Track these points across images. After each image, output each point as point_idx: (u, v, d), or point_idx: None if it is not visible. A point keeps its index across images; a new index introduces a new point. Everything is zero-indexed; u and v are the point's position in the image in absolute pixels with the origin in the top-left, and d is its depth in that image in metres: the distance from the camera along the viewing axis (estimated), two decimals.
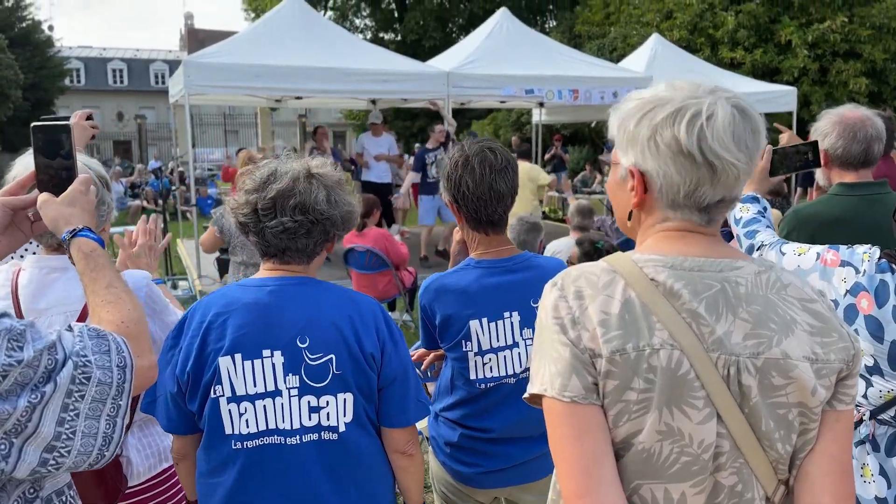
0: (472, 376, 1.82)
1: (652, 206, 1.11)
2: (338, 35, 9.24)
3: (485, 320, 1.77)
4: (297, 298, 1.55)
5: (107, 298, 1.28)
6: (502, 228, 1.84)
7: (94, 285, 1.30)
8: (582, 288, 1.06)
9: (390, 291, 5.91)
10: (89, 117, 2.38)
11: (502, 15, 10.13)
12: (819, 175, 2.34)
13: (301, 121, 14.82)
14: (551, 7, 30.26)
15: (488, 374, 1.79)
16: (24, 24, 29.32)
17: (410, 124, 25.55)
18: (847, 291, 1.75)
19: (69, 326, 1.17)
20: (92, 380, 1.11)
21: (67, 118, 2.46)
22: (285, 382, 1.50)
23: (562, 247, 5.07)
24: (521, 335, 1.79)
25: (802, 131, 12.36)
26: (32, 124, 1.44)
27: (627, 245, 6.16)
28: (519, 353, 1.79)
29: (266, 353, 1.50)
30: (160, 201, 14.39)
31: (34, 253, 1.78)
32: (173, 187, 14.91)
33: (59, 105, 35.86)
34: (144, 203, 15.52)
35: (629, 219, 1.17)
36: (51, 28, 32.71)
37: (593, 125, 18.14)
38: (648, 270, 1.05)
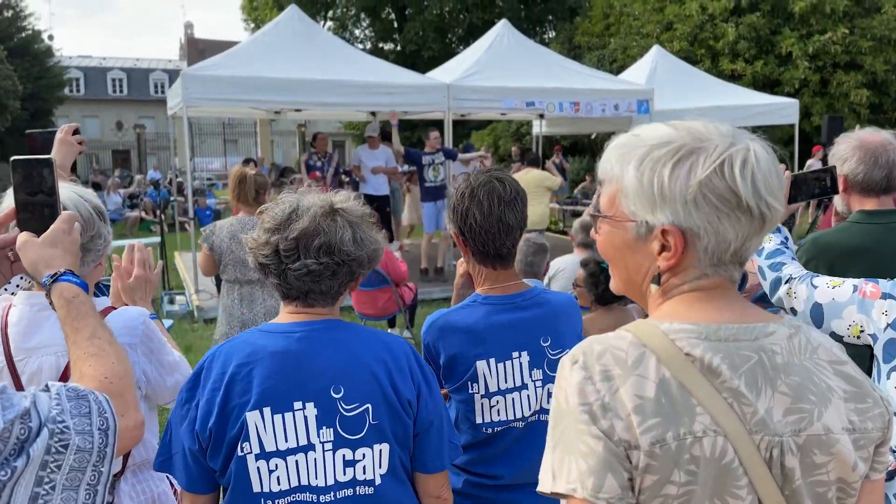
0: (479, 420, 1.72)
1: (687, 267, 0.98)
2: (337, 47, 9.18)
3: (492, 361, 1.68)
4: (327, 344, 1.45)
5: (89, 351, 1.19)
6: (510, 262, 1.75)
7: (76, 336, 1.20)
8: (609, 367, 0.92)
9: (390, 308, 5.82)
10: (76, 131, 2.30)
11: (503, 27, 10.08)
12: (838, 201, 2.25)
13: (300, 130, 14.78)
14: (551, 18, 30.30)
15: (495, 418, 1.70)
16: (23, 35, 29.31)
17: (410, 134, 25.49)
18: (888, 325, 1.67)
19: (46, 386, 1.08)
20: (70, 447, 1.01)
21: (53, 132, 2.38)
22: (319, 436, 1.40)
23: (566, 264, 4.97)
24: (531, 376, 1.70)
25: (804, 143, 12.33)
26: (12, 158, 1.35)
27: None
28: (528, 396, 1.70)
29: (297, 405, 1.40)
30: (158, 212, 14.36)
31: (26, 288, 1.69)
32: (172, 198, 14.85)
33: (59, 114, 35.83)
34: (143, 214, 15.44)
35: (658, 282, 1.01)
36: (50, 38, 32.71)
37: (593, 136, 18.09)
38: (682, 344, 0.93)
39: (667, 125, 0.99)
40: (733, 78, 15.96)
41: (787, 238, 2.03)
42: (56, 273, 1.25)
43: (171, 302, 7.48)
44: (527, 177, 8.51)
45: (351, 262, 1.47)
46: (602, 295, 3.41)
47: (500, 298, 1.72)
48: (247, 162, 9.22)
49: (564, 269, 4.93)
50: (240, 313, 3.79)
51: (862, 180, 2.12)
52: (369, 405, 1.42)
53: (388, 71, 9.02)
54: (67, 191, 1.63)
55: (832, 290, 1.78)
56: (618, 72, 18.15)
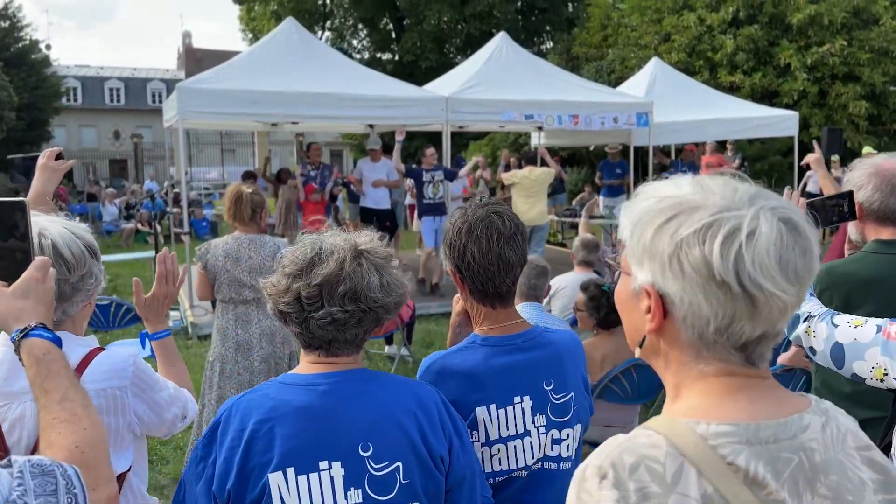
0: None
1: (675, 337, 0.90)
2: (335, 59, 9.13)
3: (493, 407, 1.58)
4: (354, 398, 1.36)
5: (60, 416, 1.09)
6: (511, 300, 1.66)
7: (46, 398, 1.11)
8: (646, 484, 0.81)
9: (387, 326, 5.72)
10: (59, 156, 2.21)
11: (501, 39, 10.04)
12: (851, 230, 2.17)
13: (298, 140, 14.72)
14: (549, 28, 30.34)
15: (497, 467, 1.61)
16: (19, 45, 29.28)
17: (408, 144, 25.43)
18: None
19: (8, 461, 0.98)
20: None
21: (35, 158, 2.28)
22: (346, 499, 1.31)
23: (566, 283, 4.89)
24: (533, 423, 1.61)
25: (803, 154, 12.26)
26: None
27: None
28: (531, 443, 1.61)
29: (323, 465, 1.31)
30: (154, 223, 14.26)
31: None
32: (168, 209, 14.77)
33: (56, 124, 35.78)
34: (138, 226, 15.33)
35: (641, 345, 0.97)
36: (48, 47, 32.67)
37: (591, 148, 18.05)
38: (724, 451, 0.83)
39: (687, 182, 0.91)
40: (732, 90, 15.93)
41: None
42: (26, 328, 1.16)
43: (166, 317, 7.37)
44: (535, 175, 8.79)
45: (378, 308, 1.39)
46: (604, 319, 3.33)
47: (500, 339, 1.63)
48: (247, 176, 9.11)
49: (565, 288, 4.86)
50: (234, 334, 3.71)
51: (878, 209, 2.04)
52: (400, 463, 1.33)
53: (386, 83, 8.96)
54: (57, 227, 1.54)
55: (854, 329, 1.70)
56: (616, 83, 18.13)
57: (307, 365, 1.42)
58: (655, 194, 0.91)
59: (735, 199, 0.85)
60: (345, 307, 1.34)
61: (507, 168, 10.66)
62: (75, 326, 1.62)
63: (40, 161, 2.13)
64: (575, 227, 13.06)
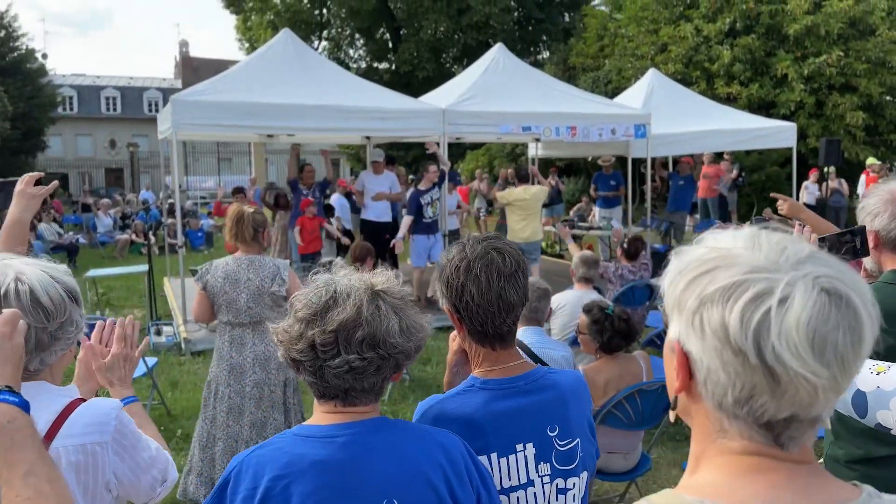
0: None
1: (699, 402, 0.82)
2: (331, 71, 9.06)
3: (494, 455, 1.49)
4: (376, 450, 1.27)
5: (23, 493, 1.00)
6: (512, 341, 1.57)
7: (10, 473, 1.01)
8: None
9: None
10: (39, 181, 2.10)
11: (498, 51, 9.98)
12: (870, 261, 2.08)
13: (296, 150, 14.64)
14: (545, 38, 30.38)
15: None
16: (15, 54, 29.22)
17: (405, 154, 25.40)
18: None
19: None
20: None
21: (13, 183, 2.17)
22: None
23: (566, 301, 4.81)
24: (537, 471, 1.51)
25: (800, 164, 12.23)
26: None
27: (631, 293, 5.91)
28: (535, 493, 1.51)
29: None
30: (149, 234, 14.16)
31: None
32: (163, 220, 14.66)
33: (52, 133, 35.68)
34: (133, 237, 15.20)
35: (673, 407, 0.88)
36: (44, 56, 32.63)
37: (590, 159, 18.00)
38: None
39: (746, 235, 0.82)
40: (729, 100, 15.92)
41: None
42: None
43: (158, 333, 7.25)
44: (530, 193, 8.60)
45: (398, 354, 1.30)
46: (608, 343, 3.24)
47: (500, 382, 1.54)
48: (237, 192, 9.01)
49: (565, 306, 4.77)
50: (229, 356, 3.62)
51: (895, 237, 1.96)
52: None
53: (383, 95, 8.88)
54: (35, 270, 1.43)
55: (877, 377, 1.60)
56: (613, 93, 18.11)
57: (322, 415, 1.33)
58: (709, 244, 0.83)
59: (778, 259, 0.76)
60: (363, 354, 1.26)
61: (505, 184, 10.60)
62: (54, 376, 1.51)
63: (18, 187, 2.02)
64: (574, 238, 12.97)
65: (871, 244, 2.01)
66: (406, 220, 8.25)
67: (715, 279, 0.77)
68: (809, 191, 13.85)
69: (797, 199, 14.13)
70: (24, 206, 2.01)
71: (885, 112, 15.56)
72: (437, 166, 8.25)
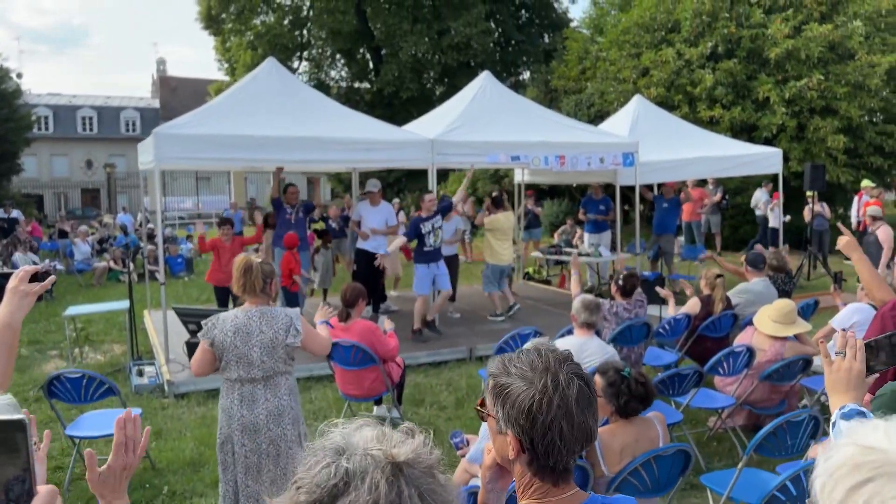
0: None
1: None
2: (317, 101, 8.91)
3: None
4: None
5: None
6: (573, 472, 1.43)
7: None
8: None
9: (377, 388, 5.45)
10: (35, 276, 1.88)
11: (485, 79, 9.92)
12: None
13: (279, 170, 14.44)
14: (525, 59, 30.55)
15: None
16: None
17: (386, 174, 25.29)
18: None
19: None
20: None
21: (6, 277, 1.94)
22: None
23: (569, 347, 4.64)
24: None
25: (784, 188, 12.26)
26: None
27: (629, 331, 5.79)
28: None
29: None
30: (128, 262, 13.84)
31: None
32: (142, 245, 14.34)
33: (26, 153, 35.04)
34: (111, 264, 14.86)
35: None
36: (19, 76, 32.09)
37: (574, 186, 18.01)
38: None
39: (889, 434, 0.71)
40: (711, 123, 16.00)
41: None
42: None
43: (140, 374, 7.00)
44: (509, 218, 9.38)
45: None
46: (624, 407, 3.10)
47: None
48: (224, 223, 8.81)
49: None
50: (240, 415, 3.44)
51: None
52: None
53: (370, 125, 8.75)
54: None
55: None
56: (596, 116, 18.17)
57: None
58: (859, 441, 0.74)
59: None
60: None
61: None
62: None
63: (10, 283, 1.78)
64: (560, 263, 12.91)
65: None
66: (398, 241, 8.19)
67: (883, 491, 0.69)
68: (775, 213, 13.88)
69: (768, 221, 14.18)
70: (16, 307, 1.79)
71: (864, 134, 15.72)
72: (434, 194, 8.19)
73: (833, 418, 1.78)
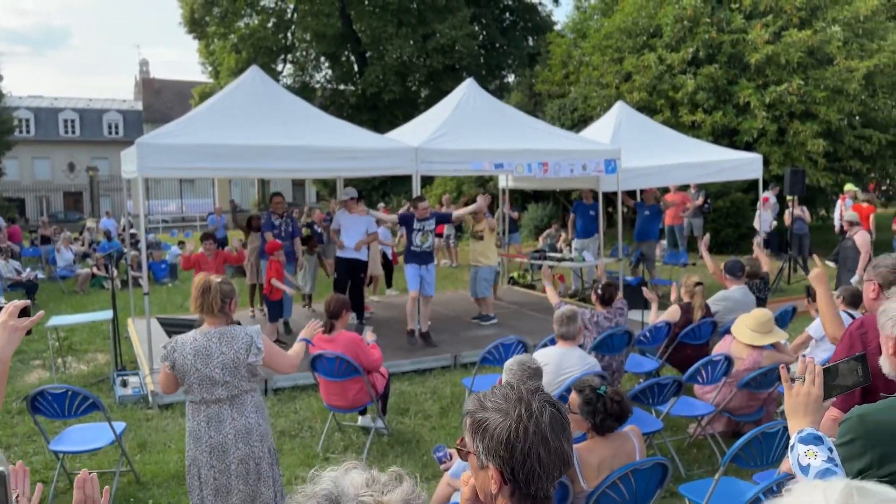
0: None
1: None
2: (301, 109, 8.92)
3: None
4: None
5: None
6: (552, 499, 1.48)
7: None
8: None
9: (362, 399, 5.48)
10: (24, 311, 1.92)
11: (469, 86, 9.98)
12: (886, 365, 2.04)
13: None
14: (510, 62, 30.65)
15: None
16: None
17: (371, 179, 25.32)
18: None
19: None
20: None
21: None
22: None
23: (549, 358, 4.73)
24: None
25: (764, 191, 12.42)
26: None
27: (610, 340, 5.86)
28: None
29: None
30: (111, 268, 13.77)
31: None
32: (125, 250, 14.26)
33: (7, 156, 34.72)
34: (94, 270, 14.77)
35: None
36: None
37: (558, 191, 18.12)
38: None
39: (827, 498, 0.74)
40: (693, 128, 16.17)
41: (831, 449, 1.80)
42: None
43: (124, 385, 6.98)
44: (486, 222, 9.50)
45: None
46: (600, 424, 3.16)
47: None
48: (206, 237, 8.79)
49: (548, 364, 4.69)
50: (207, 437, 3.44)
51: None
52: None
53: (354, 134, 8.78)
54: None
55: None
56: (579, 120, 18.29)
57: None
58: (799, 501, 0.78)
59: None
60: None
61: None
62: None
63: (0, 318, 1.82)
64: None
65: (890, 351, 1.97)
66: (392, 217, 8.28)
67: None
68: (763, 218, 14.06)
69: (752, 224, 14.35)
70: (6, 341, 1.81)
71: (843, 138, 15.95)
72: (427, 202, 8.29)
73: (792, 441, 1.85)
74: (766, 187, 12.53)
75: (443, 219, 8.41)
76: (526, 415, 1.41)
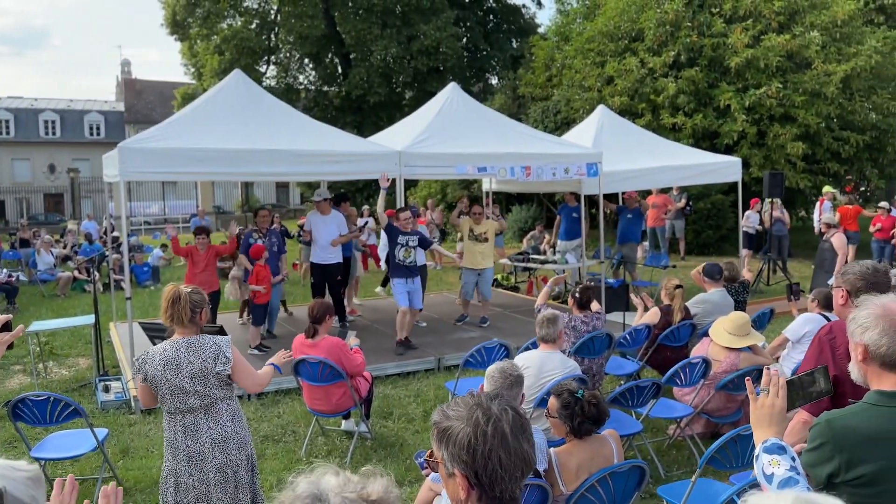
0: None
1: None
2: (285, 113, 8.93)
3: None
4: None
5: None
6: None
7: None
8: None
9: (345, 404, 5.51)
10: (5, 326, 1.96)
11: (452, 90, 10.03)
12: (857, 373, 2.09)
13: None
14: (494, 64, 30.75)
15: None
16: None
17: (354, 181, 25.29)
18: None
19: None
20: None
21: None
22: None
23: (531, 362, 4.78)
24: None
25: (744, 193, 12.58)
26: None
27: (591, 343, 5.93)
28: None
29: None
30: (93, 271, 13.67)
31: None
32: (107, 253, 14.15)
33: None
34: (76, 274, 14.66)
35: None
36: None
37: (542, 193, 18.21)
38: None
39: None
40: (674, 130, 16.33)
41: (794, 458, 1.86)
42: None
43: (106, 390, 6.96)
44: (490, 224, 9.66)
45: None
46: (578, 428, 3.22)
47: None
48: (200, 232, 8.71)
49: (529, 367, 4.74)
50: (185, 446, 3.45)
51: (885, 353, 1.96)
52: None
53: (337, 137, 8.79)
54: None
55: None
56: (562, 123, 18.41)
57: None
58: None
59: None
60: None
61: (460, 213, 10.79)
62: None
63: None
64: (527, 270, 13.07)
65: (859, 357, 2.02)
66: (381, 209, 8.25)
67: None
68: (751, 220, 14.27)
69: (737, 227, 14.54)
70: None
71: (822, 141, 16.16)
72: (409, 212, 8.27)
73: (756, 451, 1.91)
74: (743, 187, 12.68)
75: (424, 243, 8.43)
76: (484, 419, 1.46)
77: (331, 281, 9.04)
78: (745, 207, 14.46)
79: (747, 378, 2.07)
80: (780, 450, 1.85)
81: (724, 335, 5.42)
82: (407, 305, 8.11)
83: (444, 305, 10.92)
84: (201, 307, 3.51)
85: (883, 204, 13.43)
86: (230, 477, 3.49)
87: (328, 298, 8.61)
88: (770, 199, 12.96)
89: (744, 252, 13.04)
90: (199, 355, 3.41)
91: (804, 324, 5.54)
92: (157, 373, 3.40)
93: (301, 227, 11.57)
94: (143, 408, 3.67)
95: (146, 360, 3.43)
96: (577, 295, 6.10)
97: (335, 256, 9.00)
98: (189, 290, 3.49)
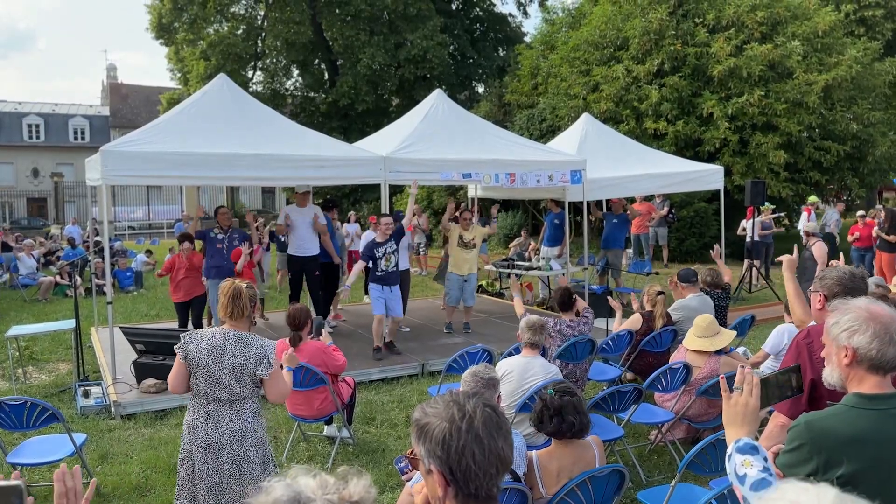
0: None
1: None
2: (269, 117, 8.91)
3: None
4: None
5: None
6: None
7: None
8: None
9: (327, 409, 5.49)
10: None
11: (437, 97, 10.06)
12: (835, 375, 2.11)
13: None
14: (481, 72, 30.87)
15: None
16: None
17: (342, 187, 25.26)
18: None
19: None
20: None
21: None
22: None
23: (513, 367, 4.79)
24: None
25: (727, 201, 12.67)
26: None
27: (574, 348, 5.95)
28: None
29: None
30: (75, 276, 13.55)
31: None
32: (89, 258, 14.04)
33: None
34: (58, 278, 14.52)
35: None
36: None
37: (528, 200, 18.27)
38: None
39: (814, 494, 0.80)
40: (656, 137, 16.47)
41: (766, 458, 1.88)
42: None
43: (86, 395, 6.88)
44: (478, 231, 9.63)
45: None
46: (555, 432, 3.23)
47: None
48: (184, 238, 8.68)
49: (511, 372, 4.76)
50: (204, 433, 3.48)
51: (875, 356, 1.97)
52: None
53: (323, 143, 8.79)
54: None
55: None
56: (548, 130, 18.50)
57: None
58: (791, 499, 0.82)
59: None
60: None
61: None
62: None
63: None
64: (516, 276, 13.06)
65: (846, 360, 2.04)
66: (357, 267, 8.14)
67: None
68: (763, 227, 14.29)
69: (732, 235, 14.66)
70: None
71: (803, 150, 16.35)
72: (391, 217, 8.20)
73: (729, 451, 1.93)
74: (728, 198, 12.81)
75: (398, 234, 8.29)
76: (458, 415, 1.47)
77: (308, 274, 9.02)
78: (727, 214, 14.55)
79: (721, 376, 2.09)
80: (753, 450, 1.86)
81: (696, 341, 5.49)
82: (382, 313, 8.06)
83: (428, 311, 10.92)
84: (254, 303, 3.61)
85: (860, 213, 13.58)
86: (245, 471, 3.52)
87: (305, 295, 8.61)
88: (766, 207, 13.09)
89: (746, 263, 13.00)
90: (245, 352, 3.46)
91: (782, 336, 5.61)
92: (200, 355, 3.44)
93: (275, 222, 11.51)
94: (171, 392, 3.66)
95: (191, 340, 3.48)
96: (557, 297, 6.14)
97: (311, 248, 8.99)
98: (245, 285, 3.59)
